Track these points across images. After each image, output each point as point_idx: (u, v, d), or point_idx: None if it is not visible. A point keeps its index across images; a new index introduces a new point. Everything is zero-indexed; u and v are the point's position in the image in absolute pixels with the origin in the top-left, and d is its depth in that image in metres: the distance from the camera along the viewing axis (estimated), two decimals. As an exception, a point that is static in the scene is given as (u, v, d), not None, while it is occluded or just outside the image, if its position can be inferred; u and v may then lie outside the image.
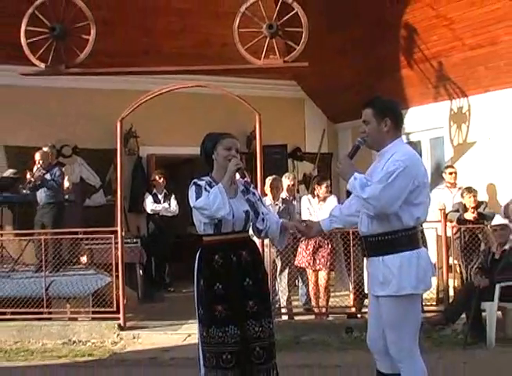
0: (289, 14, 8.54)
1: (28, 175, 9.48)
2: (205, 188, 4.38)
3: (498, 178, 9.99)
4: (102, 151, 11.60)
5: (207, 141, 4.60)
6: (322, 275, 8.68)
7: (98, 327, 8.46)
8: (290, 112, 13.38)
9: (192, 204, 4.40)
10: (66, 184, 10.20)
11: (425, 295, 7.25)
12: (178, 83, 9.15)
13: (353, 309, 8.62)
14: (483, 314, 7.56)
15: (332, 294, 9.06)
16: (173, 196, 11.52)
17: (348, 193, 4.65)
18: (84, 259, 9.83)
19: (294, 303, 9.16)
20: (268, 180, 8.83)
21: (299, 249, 8.54)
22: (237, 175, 4.55)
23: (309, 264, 8.60)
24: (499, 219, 8.24)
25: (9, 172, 10.36)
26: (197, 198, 4.35)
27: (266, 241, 7.54)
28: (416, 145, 11.77)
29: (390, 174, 4.00)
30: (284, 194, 9.16)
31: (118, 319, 8.48)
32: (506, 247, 7.86)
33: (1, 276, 9.10)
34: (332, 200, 8.85)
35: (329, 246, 8.54)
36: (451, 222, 8.88)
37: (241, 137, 11.11)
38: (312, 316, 8.85)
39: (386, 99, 4.47)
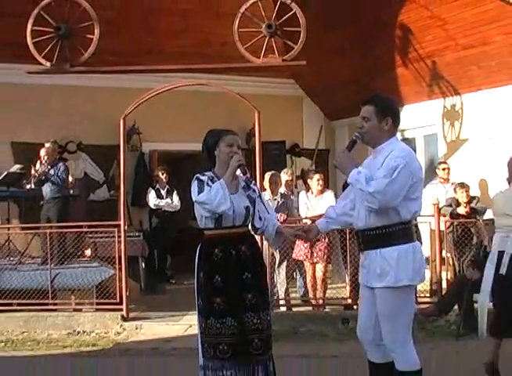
0: (287, 14, 8.53)
1: (33, 171, 9.49)
2: (207, 183, 4.37)
3: (489, 174, 9.97)
4: (105, 147, 11.60)
5: (209, 137, 4.58)
6: (320, 267, 8.68)
7: (101, 317, 8.47)
8: (288, 109, 13.37)
9: (194, 199, 4.39)
10: (70, 179, 10.18)
11: (419, 287, 7.26)
12: (180, 81, 9.13)
13: (349, 301, 8.61)
14: (475, 305, 7.55)
15: (329, 286, 9.05)
16: (175, 191, 11.51)
17: (344, 187, 4.64)
18: (88, 252, 9.82)
19: (292, 295, 9.16)
20: (267, 175, 8.83)
21: (297, 242, 8.52)
22: (238, 171, 4.54)
23: (307, 257, 8.60)
24: (490, 213, 8.23)
25: (15, 168, 10.35)
26: (199, 193, 4.34)
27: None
28: (411, 141, 11.77)
29: (393, 169, 4.00)
30: (283, 189, 9.15)
31: (121, 310, 8.49)
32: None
33: (8, 269, 9.11)
34: (329, 195, 8.87)
35: (327, 239, 8.53)
36: (444, 216, 8.88)
37: (241, 134, 11.04)
38: (310, 308, 8.85)
39: (387, 98, 4.46)
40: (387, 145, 4.21)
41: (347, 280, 8.70)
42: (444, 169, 10.18)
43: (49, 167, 9.45)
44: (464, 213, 9.11)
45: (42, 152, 9.55)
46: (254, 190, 4.62)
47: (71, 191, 10.10)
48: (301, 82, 13.40)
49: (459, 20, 9.51)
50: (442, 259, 8.65)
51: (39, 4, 8.56)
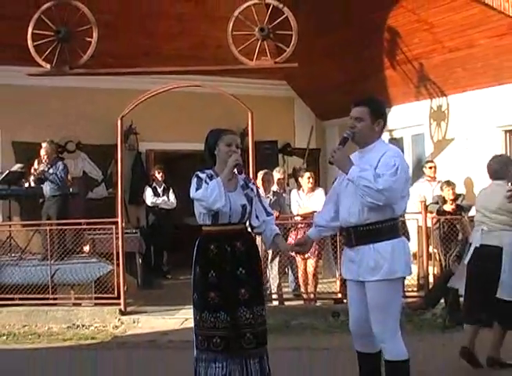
0: (279, 18, 8.55)
1: (32, 170, 9.49)
2: (205, 180, 4.37)
3: (474, 172, 10.00)
4: (103, 147, 11.59)
5: (210, 137, 4.58)
6: (311, 263, 8.69)
7: (100, 312, 8.47)
8: (280, 110, 13.37)
9: (191, 195, 4.40)
10: (69, 177, 10.17)
11: (406, 281, 7.26)
12: (176, 83, 9.13)
13: (339, 295, 8.62)
14: (460, 299, 7.58)
15: (320, 280, 9.05)
16: (171, 189, 11.51)
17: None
18: (87, 248, 9.80)
19: (284, 289, 9.16)
20: (260, 174, 8.83)
21: (289, 239, 8.53)
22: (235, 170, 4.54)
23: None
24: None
25: (16, 167, 10.35)
26: (197, 190, 4.34)
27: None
28: (399, 141, 11.81)
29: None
30: (275, 187, 9.15)
31: (119, 304, 8.49)
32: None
33: (9, 265, 9.09)
34: (319, 192, 8.88)
35: (318, 236, 8.53)
36: (431, 213, 8.90)
37: (235, 134, 11.09)
38: (301, 302, 8.87)
39: (380, 101, 4.55)
40: (375, 146, 4.26)
41: (337, 274, 8.70)
42: (431, 168, 10.23)
43: (49, 166, 9.43)
44: (450, 210, 9.14)
45: (42, 151, 9.53)
46: (252, 189, 4.61)
47: (70, 189, 10.09)
48: (293, 84, 13.40)
49: (446, 24, 9.53)
50: (429, 255, 8.68)
51: (40, 8, 8.56)
